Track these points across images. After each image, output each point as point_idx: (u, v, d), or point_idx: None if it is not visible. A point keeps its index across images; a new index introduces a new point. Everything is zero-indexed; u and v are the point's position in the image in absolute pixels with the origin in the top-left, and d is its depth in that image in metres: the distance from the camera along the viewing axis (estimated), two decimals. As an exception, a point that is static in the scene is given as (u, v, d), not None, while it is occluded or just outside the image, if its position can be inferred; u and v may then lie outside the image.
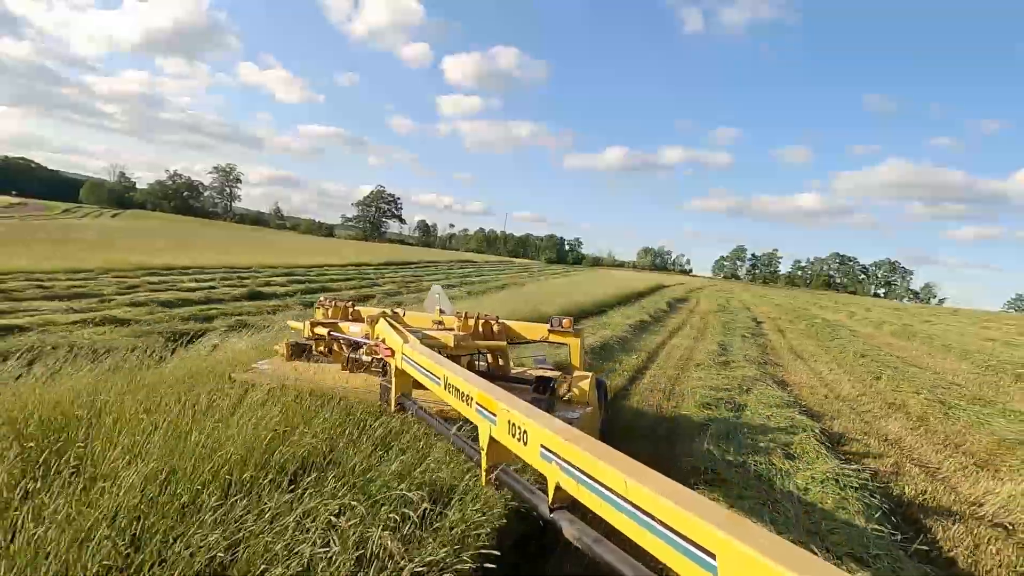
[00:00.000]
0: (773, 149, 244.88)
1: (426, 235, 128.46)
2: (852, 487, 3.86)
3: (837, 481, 3.88)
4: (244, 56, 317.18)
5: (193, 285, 14.17)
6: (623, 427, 5.32)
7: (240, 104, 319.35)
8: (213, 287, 14.20)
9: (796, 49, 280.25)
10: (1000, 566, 3.34)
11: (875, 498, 3.81)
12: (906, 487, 4.49)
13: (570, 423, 1.99)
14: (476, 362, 4.05)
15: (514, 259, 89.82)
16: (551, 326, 4.22)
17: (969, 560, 3.37)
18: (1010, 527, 3.88)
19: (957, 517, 3.99)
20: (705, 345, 11.61)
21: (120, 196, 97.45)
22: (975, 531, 3.78)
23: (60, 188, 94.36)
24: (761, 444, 4.72)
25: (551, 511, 1.82)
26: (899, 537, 3.20)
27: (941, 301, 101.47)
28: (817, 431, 5.32)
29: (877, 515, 3.49)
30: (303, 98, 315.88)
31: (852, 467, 4.20)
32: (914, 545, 3.19)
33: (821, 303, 36.14)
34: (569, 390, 3.72)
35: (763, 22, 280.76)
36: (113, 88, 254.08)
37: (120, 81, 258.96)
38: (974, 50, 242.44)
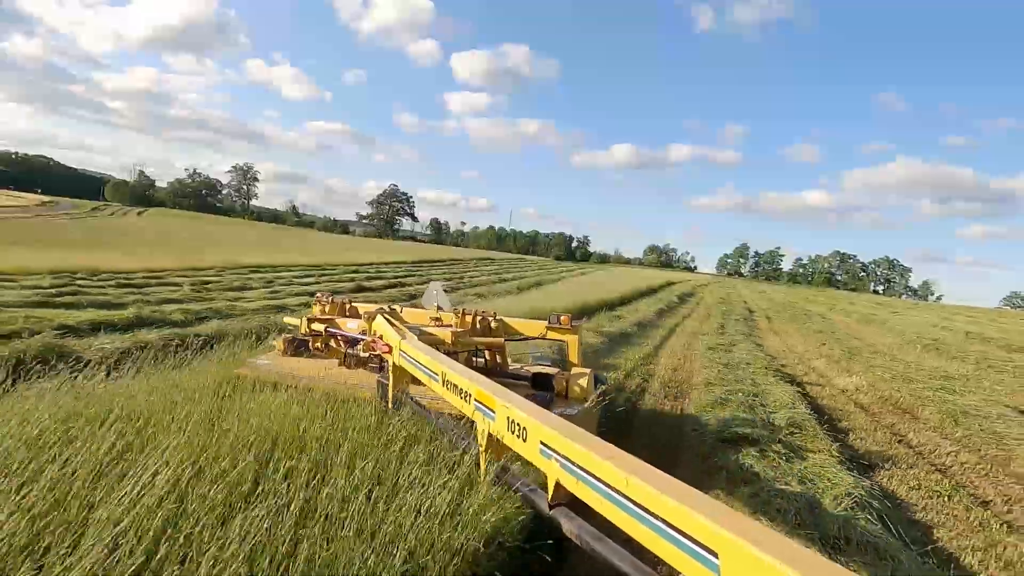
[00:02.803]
0: (782, 147, 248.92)
1: (438, 233, 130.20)
2: (773, 369, 8.75)
3: (767, 366, 8.79)
4: (252, 53, 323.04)
5: (301, 281, 17.17)
6: (668, 352, 10.20)
7: (247, 101, 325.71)
8: (317, 283, 17.25)
9: (807, 47, 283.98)
10: (830, 395, 8.17)
11: (780, 374, 8.66)
12: (805, 378, 9.35)
13: (568, 420, 2.04)
14: (474, 359, 4.06)
15: (526, 256, 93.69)
16: (549, 323, 4.25)
17: (816, 393, 8.16)
18: (846, 391, 8.67)
19: (822, 387, 8.81)
20: (709, 324, 16.41)
21: (141, 194, 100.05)
22: (828, 391, 8.58)
23: (75, 185, 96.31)
24: (736, 360, 9.48)
25: (551, 508, 1.88)
26: (782, 381, 7.93)
27: (939, 298, 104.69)
28: (768, 358, 10.10)
29: (778, 378, 8.29)
30: (310, 95, 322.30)
31: (778, 364, 9.02)
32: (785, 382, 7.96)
33: (811, 298, 40.93)
34: (567, 387, 3.77)
35: (774, 20, 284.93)
36: (121, 85, 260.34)
37: (128, 78, 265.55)
38: (987, 49, 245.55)
